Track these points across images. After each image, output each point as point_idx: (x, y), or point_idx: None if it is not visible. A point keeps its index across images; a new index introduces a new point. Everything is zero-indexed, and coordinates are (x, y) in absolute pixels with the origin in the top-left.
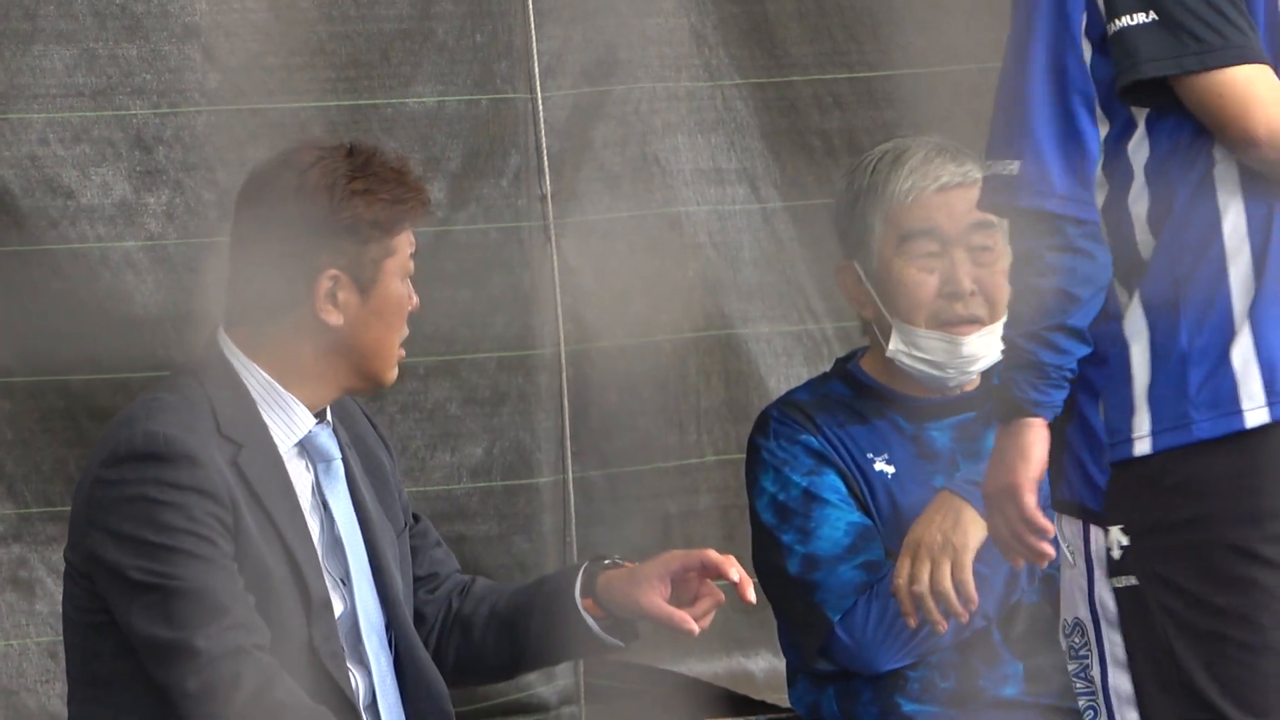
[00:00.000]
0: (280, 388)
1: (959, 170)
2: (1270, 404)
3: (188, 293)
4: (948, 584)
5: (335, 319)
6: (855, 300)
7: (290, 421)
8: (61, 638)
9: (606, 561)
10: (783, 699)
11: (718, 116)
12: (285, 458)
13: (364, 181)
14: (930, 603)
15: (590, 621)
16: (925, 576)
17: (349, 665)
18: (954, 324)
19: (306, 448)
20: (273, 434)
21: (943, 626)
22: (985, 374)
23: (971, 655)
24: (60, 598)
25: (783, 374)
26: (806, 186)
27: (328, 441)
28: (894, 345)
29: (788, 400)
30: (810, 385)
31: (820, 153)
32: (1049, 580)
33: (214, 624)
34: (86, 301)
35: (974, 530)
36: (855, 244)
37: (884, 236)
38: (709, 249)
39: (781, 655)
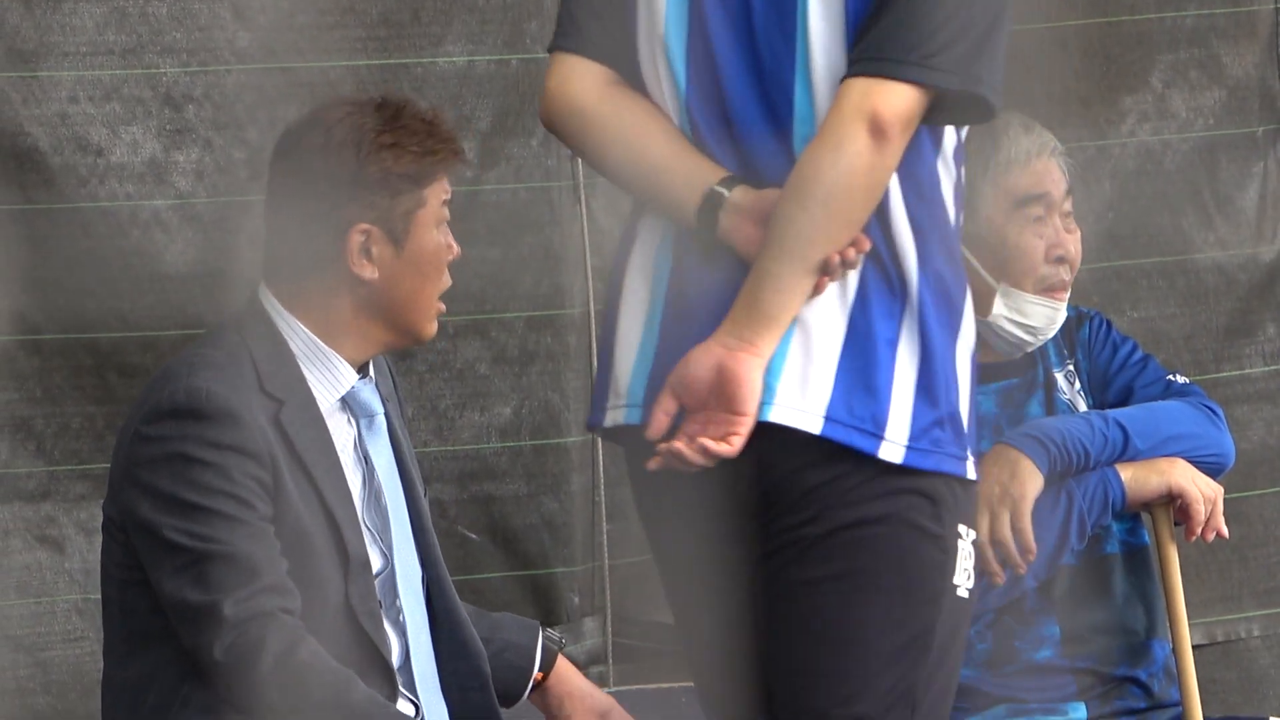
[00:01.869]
0: (322, 344)
1: (1053, 138)
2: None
3: (217, 251)
4: (1007, 533)
5: (370, 273)
6: None
7: (333, 377)
8: (90, 596)
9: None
10: None
11: None
12: (327, 413)
13: (392, 135)
14: (989, 552)
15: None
16: (984, 527)
17: (385, 623)
18: (1056, 289)
19: (349, 403)
20: (314, 390)
21: (1000, 578)
22: None
23: (1008, 617)
24: (88, 556)
25: None
26: None
27: (370, 397)
28: (997, 310)
29: None
30: None
31: None
32: (1094, 541)
33: (244, 589)
34: (115, 259)
35: (1031, 481)
36: None
37: (995, 201)
38: None
39: None
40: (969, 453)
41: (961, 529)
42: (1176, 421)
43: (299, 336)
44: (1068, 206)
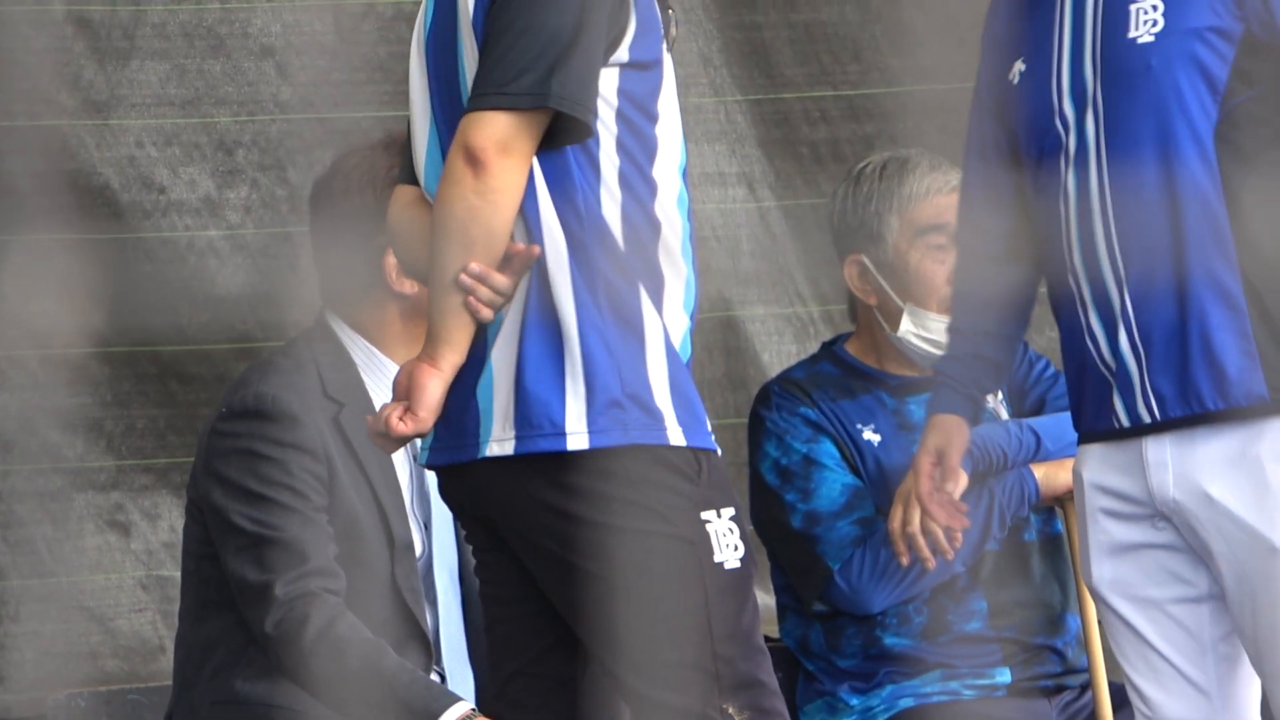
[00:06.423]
0: (379, 354)
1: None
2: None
3: (262, 275)
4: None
5: (409, 287)
6: (860, 289)
7: (388, 383)
8: (152, 573)
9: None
10: (771, 631)
11: (721, 128)
12: None
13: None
14: (920, 541)
15: None
16: (916, 520)
17: (423, 600)
18: None
19: None
20: (372, 395)
21: (931, 564)
22: None
23: (942, 594)
24: (150, 538)
25: (775, 350)
26: (797, 188)
27: None
28: (905, 327)
29: (786, 377)
30: (803, 365)
31: (808, 160)
32: (1015, 530)
33: (293, 570)
34: (175, 282)
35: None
36: (866, 239)
37: (900, 231)
38: (713, 241)
39: (770, 593)
40: (676, 423)
41: (708, 514)
42: None
43: (359, 349)
44: None
